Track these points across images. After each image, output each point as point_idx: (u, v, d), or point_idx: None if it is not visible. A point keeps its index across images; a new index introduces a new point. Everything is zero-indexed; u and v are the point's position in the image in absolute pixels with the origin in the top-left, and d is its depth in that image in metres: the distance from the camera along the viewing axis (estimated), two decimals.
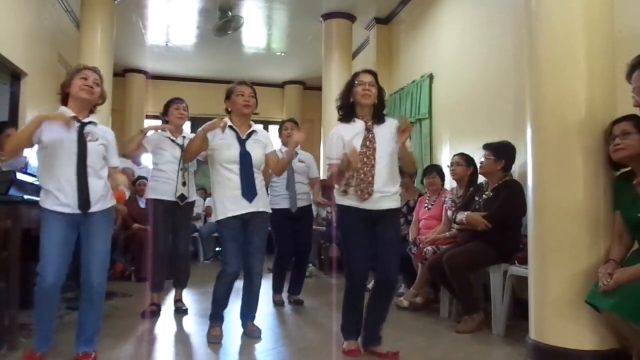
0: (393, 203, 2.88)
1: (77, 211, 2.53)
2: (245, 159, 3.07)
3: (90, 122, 2.65)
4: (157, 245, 3.84)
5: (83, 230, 2.60)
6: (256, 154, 3.12)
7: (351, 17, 7.33)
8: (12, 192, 2.93)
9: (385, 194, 2.82)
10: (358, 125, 2.89)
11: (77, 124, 2.59)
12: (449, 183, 4.60)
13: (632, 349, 2.41)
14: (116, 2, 6.52)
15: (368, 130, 2.86)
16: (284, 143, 4.31)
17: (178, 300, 4.00)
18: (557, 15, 2.71)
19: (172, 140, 3.84)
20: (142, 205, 5.78)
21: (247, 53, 8.95)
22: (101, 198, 2.61)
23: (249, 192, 3.06)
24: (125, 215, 5.62)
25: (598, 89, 2.64)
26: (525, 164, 2.93)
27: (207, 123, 3.05)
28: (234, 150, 3.07)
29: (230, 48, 8.48)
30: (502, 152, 3.64)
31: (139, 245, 5.42)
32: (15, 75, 5.54)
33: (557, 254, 2.64)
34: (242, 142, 3.10)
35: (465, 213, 3.63)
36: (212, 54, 8.88)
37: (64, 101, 2.66)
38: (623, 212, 2.51)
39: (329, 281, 5.74)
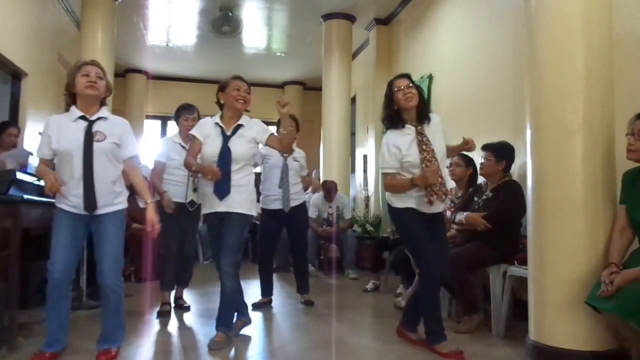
0: (442, 206, 3.02)
1: (84, 212, 2.59)
2: (224, 155, 3.02)
3: (99, 118, 2.66)
4: (168, 245, 3.88)
5: (94, 231, 2.66)
6: (238, 149, 3.05)
7: (351, 18, 7.33)
8: (13, 191, 2.93)
9: None
10: (409, 131, 2.95)
11: (84, 123, 2.61)
12: (448, 183, 4.60)
13: (632, 349, 2.42)
14: (117, 2, 6.53)
15: (420, 134, 2.93)
16: None
17: (179, 298, 4.09)
18: (556, 16, 2.71)
19: (183, 147, 3.84)
20: (142, 205, 5.77)
21: (248, 53, 8.95)
22: (110, 199, 2.64)
23: (219, 189, 3.01)
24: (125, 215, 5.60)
25: (597, 90, 2.64)
26: (525, 164, 2.94)
27: (203, 167, 2.98)
28: (216, 147, 3.04)
29: (230, 48, 8.48)
30: (503, 153, 3.64)
31: (138, 245, 5.41)
32: (15, 75, 5.54)
33: (556, 255, 2.64)
34: (225, 138, 3.07)
35: (465, 213, 3.63)
36: (212, 55, 8.88)
37: (73, 101, 2.67)
38: (630, 209, 2.46)
39: (328, 281, 5.74)
